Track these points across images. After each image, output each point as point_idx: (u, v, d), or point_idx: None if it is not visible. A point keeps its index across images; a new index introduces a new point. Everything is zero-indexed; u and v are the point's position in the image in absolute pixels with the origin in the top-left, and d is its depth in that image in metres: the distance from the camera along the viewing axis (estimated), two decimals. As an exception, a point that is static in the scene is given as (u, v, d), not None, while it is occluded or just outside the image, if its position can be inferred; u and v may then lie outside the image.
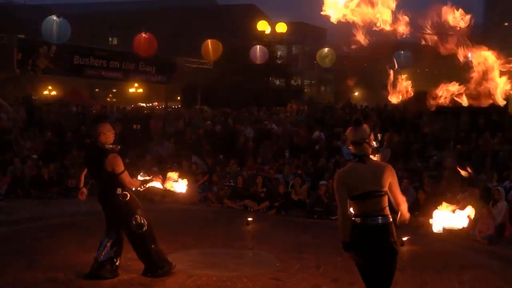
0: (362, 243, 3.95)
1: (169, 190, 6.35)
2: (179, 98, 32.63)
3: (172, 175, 6.22)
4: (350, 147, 4.14)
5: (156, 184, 6.21)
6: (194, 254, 7.14)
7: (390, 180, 3.99)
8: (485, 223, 8.80)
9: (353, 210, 4.04)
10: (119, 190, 5.74)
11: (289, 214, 10.84)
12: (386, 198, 3.98)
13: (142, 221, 5.83)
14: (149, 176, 6.13)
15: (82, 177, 6.17)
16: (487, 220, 8.81)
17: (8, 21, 28.23)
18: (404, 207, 4.10)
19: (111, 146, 5.77)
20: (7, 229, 8.48)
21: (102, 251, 5.83)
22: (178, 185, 6.30)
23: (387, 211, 3.98)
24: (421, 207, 9.78)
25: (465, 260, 7.50)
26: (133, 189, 5.92)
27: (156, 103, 35.20)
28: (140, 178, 6.06)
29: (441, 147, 13.26)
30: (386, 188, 3.96)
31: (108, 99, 41.48)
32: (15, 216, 9.61)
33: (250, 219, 9.46)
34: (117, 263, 5.92)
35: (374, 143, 4.12)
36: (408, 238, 7.99)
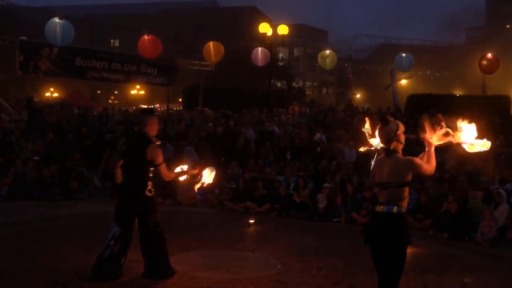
0: (375, 228, 4.20)
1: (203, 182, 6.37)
2: (180, 100, 32.65)
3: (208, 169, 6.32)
4: (381, 144, 4.32)
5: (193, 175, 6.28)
6: (195, 256, 7.13)
7: (413, 170, 4.20)
8: (487, 225, 8.79)
9: (378, 197, 4.34)
10: (149, 184, 5.85)
11: (291, 216, 10.83)
12: (403, 190, 4.19)
13: (159, 220, 5.90)
14: (185, 169, 6.19)
15: (118, 176, 6.14)
16: (489, 223, 8.80)
17: (10, 23, 28.32)
18: (433, 162, 4.29)
19: (154, 137, 5.94)
20: (8, 231, 8.47)
21: (107, 246, 5.84)
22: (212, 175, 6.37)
23: (404, 203, 4.20)
24: (423, 209, 9.79)
25: (467, 262, 7.48)
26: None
27: (158, 105, 35.24)
28: (177, 170, 6.16)
29: (442, 150, 13.24)
30: (405, 180, 4.18)
31: (110, 101, 41.54)
32: (17, 217, 9.61)
33: (251, 221, 9.45)
34: (121, 262, 5.91)
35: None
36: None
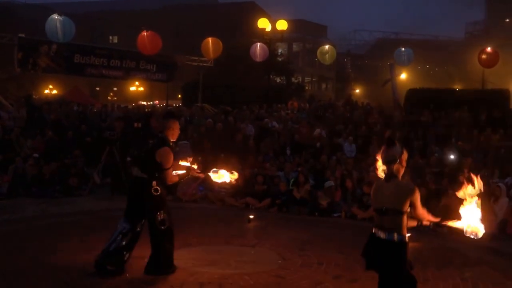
0: (375, 254, 4.15)
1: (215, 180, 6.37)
2: (180, 96, 32.66)
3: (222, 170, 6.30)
4: (383, 166, 4.22)
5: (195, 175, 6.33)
6: (195, 252, 7.13)
7: (411, 199, 4.10)
8: (487, 219, 8.79)
9: (375, 221, 4.24)
10: (154, 183, 5.90)
11: (291, 211, 10.83)
12: (403, 217, 4.09)
13: (165, 218, 5.92)
14: (184, 170, 6.20)
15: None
16: (489, 217, 8.80)
17: (8, 20, 28.26)
18: (426, 216, 4.28)
19: (171, 141, 6.00)
20: (8, 228, 8.47)
21: (114, 240, 5.89)
22: (225, 175, 6.32)
23: (404, 230, 4.11)
24: (423, 204, 9.79)
25: (467, 257, 7.49)
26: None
27: (157, 101, 35.23)
28: (179, 172, 6.19)
29: (443, 144, 13.26)
30: (404, 209, 4.08)
31: (109, 97, 41.52)
32: (17, 215, 9.61)
33: (251, 216, 9.45)
34: (125, 258, 5.94)
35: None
36: (409, 235, 7.97)
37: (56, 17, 14.11)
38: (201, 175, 6.38)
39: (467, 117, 15.38)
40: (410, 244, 7.88)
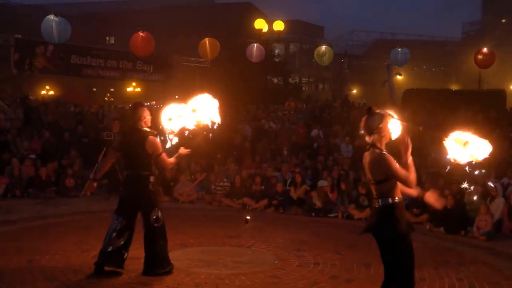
0: (373, 223, 4.20)
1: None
2: (176, 97, 32.59)
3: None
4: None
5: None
6: (192, 252, 7.14)
7: (388, 167, 4.04)
8: (483, 219, 8.83)
9: None
10: (152, 178, 5.91)
11: (288, 212, 10.84)
12: (384, 185, 4.11)
13: (160, 216, 5.92)
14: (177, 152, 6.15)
15: (107, 166, 6.19)
16: (485, 217, 8.85)
17: (5, 21, 28.19)
18: (412, 178, 4.18)
19: (149, 129, 5.96)
20: (5, 229, 8.46)
21: (108, 242, 5.86)
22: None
23: (395, 193, 4.13)
24: (420, 204, 9.81)
25: (463, 256, 7.52)
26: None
27: (154, 102, 35.14)
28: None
29: (439, 145, 13.27)
30: (381, 177, 4.10)
31: (106, 98, 41.40)
32: (13, 216, 9.59)
33: (248, 217, 9.45)
34: (124, 256, 5.95)
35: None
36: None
37: (52, 18, 14.07)
38: (185, 152, 6.11)
39: (463, 117, 15.41)
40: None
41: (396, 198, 4.13)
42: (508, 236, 8.92)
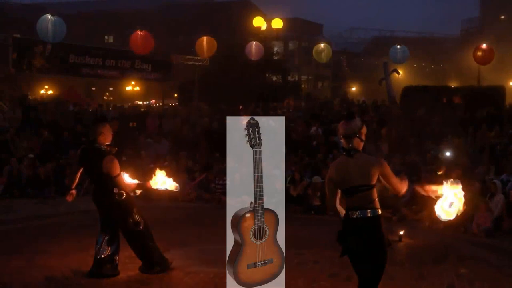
0: (352, 235, 3.97)
1: (162, 189, 5.99)
2: (176, 95, 32.57)
3: (160, 173, 5.88)
4: (342, 141, 4.11)
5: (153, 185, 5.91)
6: (191, 251, 7.13)
7: (381, 172, 3.97)
8: (483, 216, 8.81)
9: (345, 203, 4.06)
10: (115, 190, 5.70)
11: (287, 210, 10.78)
12: (374, 192, 3.97)
13: (138, 219, 5.83)
14: (140, 181, 5.92)
15: (77, 177, 6.10)
16: (484, 214, 8.83)
17: (3, 20, 28.17)
18: (404, 186, 4.14)
19: (108, 147, 5.74)
20: (4, 229, 8.45)
21: (99, 249, 5.82)
22: (169, 183, 5.93)
23: (376, 204, 3.98)
24: (419, 201, 9.80)
25: (462, 253, 7.50)
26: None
27: (153, 100, 35.14)
28: (132, 180, 5.90)
29: (438, 141, 13.27)
30: (373, 182, 3.95)
31: (104, 97, 41.36)
32: (12, 215, 9.59)
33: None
34: (116, 261, 5.92)
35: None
36: (404, 232, 8.00)
37: (49, 17, 14.05)
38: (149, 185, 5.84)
39: (462, 114, 15.41)
40: (406, 240, 7.92)
41: (378, 208, 3.99)
42: (508, 233, 8.90)
